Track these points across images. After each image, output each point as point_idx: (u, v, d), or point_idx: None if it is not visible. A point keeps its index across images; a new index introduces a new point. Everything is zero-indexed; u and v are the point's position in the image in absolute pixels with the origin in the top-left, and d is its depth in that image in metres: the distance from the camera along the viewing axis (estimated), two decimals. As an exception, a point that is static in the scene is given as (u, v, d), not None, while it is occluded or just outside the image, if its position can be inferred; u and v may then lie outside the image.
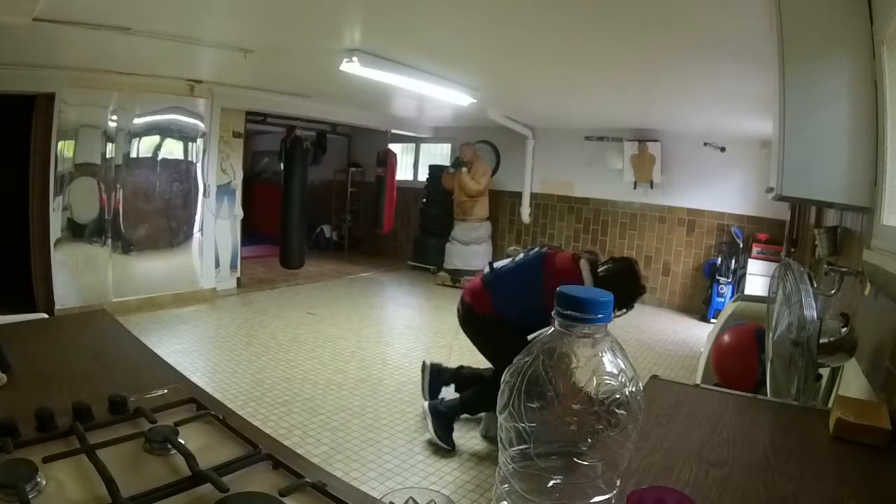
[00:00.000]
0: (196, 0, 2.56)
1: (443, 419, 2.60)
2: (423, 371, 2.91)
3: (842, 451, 0.87)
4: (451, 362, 2.99)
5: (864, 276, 1.45)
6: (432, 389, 2.84)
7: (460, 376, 2.86)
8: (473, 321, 2.56)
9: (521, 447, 0.47)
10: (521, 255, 2.57)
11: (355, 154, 8.35)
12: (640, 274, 2.42)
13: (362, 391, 3.18)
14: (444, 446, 2.55)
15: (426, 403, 2.67)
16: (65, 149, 4.06)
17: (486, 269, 2.59)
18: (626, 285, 2.32)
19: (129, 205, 4.49)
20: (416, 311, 5.39)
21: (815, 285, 1.40)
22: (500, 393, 0.48)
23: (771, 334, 1.51)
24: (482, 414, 2.76)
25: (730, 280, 5.31)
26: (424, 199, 6.96)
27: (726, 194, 5.58)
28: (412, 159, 7.98)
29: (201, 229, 5.02)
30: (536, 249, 2.57)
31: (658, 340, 4.59)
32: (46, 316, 1.53)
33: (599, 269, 2.40)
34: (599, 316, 0.46)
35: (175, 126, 4.70)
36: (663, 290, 6.02)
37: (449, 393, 2.82)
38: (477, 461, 2.48)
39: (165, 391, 0.90)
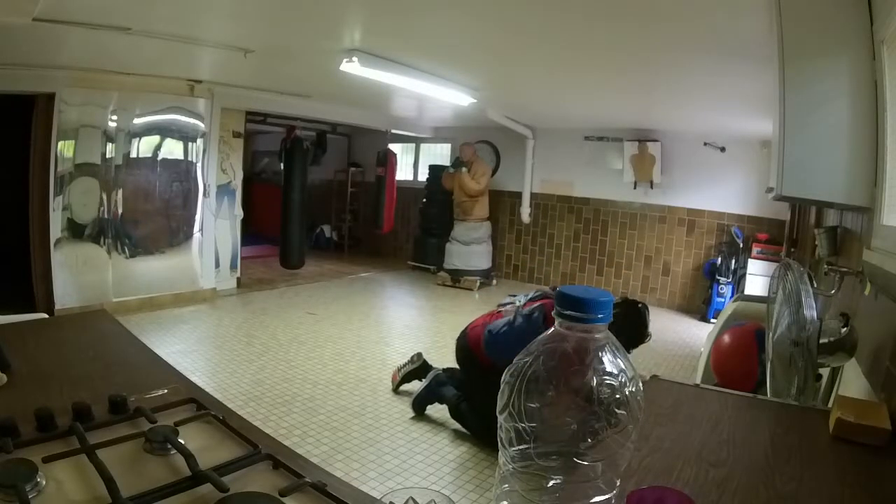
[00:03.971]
0: (196, 0, 2.56)
1: (431, 395, 2.85)
2: (415, 361, 3.14)
3: (842, 451, 0.87)
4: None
5: (864, 276, 1.45)
6: (433, 390, 2.88)
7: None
8: (466, 355, 2.62)
9: (521, 447, 0.47)
10: (520, 317, 2.46)
11: (355, 154, 8.34)
12: (646, 320, 2.41)
13: (362, 391, 3.18)
14: (413, 409, 2.88)
15: (432, 372, 2.93)
16: (65, 149, 4.05)
17: (486, 333, 2.54)
18: (629, 329, 2.32)
19: (129, 205, 4.49)
20: (416, 311, 5.39)
21: (815, 285, 1.40)
22: (500, 393, 0.48)
23: (771, 334, 1.51)
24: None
25: (730, 280, 5.31)
26: (424, 199, 6.96)
27: (726, 194, 5.58)
28: (412, 159, 7.98)
29: (201, 229, 5.02)
30: (534, 301, 2.51)
31: (658, 340, 4.56)
32: (46, 316, 1.52)
33: None
34: (599, 316, 0.46)
35: (175, 126, 4.70)
36: (663, 290, 6.02)
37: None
38: (477, 461, 2.48)
39: (165, 391, 0.90)
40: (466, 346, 2.65)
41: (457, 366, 3.02)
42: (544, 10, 2.38)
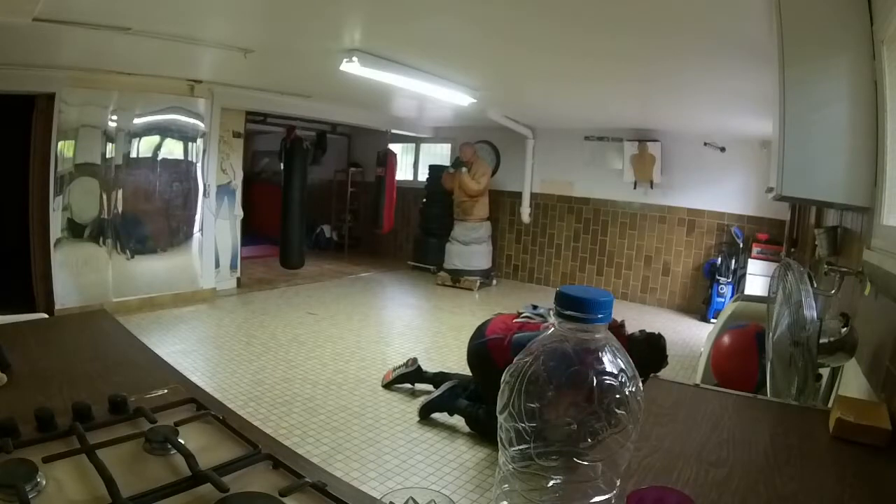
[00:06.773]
0: (196, 0, 2.56)
1: (443, 404, 2.81)
2: (410, 366, 3.17)
3: (842, 451, 0.87)
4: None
5: (864, 276, 1.45)
6: (446, 400, 2.86)
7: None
8: (485, 363, 2.58)
9: (521, 447, 0.46)
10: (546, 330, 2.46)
11: (355, 154, 8.34)
12: (664, 351, 2.54)
13: (362, 391, 3.18)
14: (417, 414, 2.85)
15: (448, 383, 2.90)
16: (65, 149, 4.06)
17: (514, 345, 2.49)
18: (653, 356, 2.50)
19: (129, 205, 4.49)
20: (416, 311, 5.39)
21: (815, 285, 1.40)
22: (500, 393, 0.48)
23: (771, 334, 1.51)
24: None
25: (730, 280, 5.31)
26: (424, 199, 6.96)
27: (726, 194, 5.58)
28: (412, 159, 7.98)
29: (201, 229, 5.02)
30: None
31: (658, 340, 4.58)
32: (46, 316, 1.53)
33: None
34: (599, 316, 0.46)
35: (175, 126, 4.70)
36: (663, 290, 6.02)
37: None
38: (477, 461, 2.48)
39: (165, 391, 0.90)
40: (487, 355, 2.56)
41: (462, 372, 3.04)
42: (544, 10, 2.38)
